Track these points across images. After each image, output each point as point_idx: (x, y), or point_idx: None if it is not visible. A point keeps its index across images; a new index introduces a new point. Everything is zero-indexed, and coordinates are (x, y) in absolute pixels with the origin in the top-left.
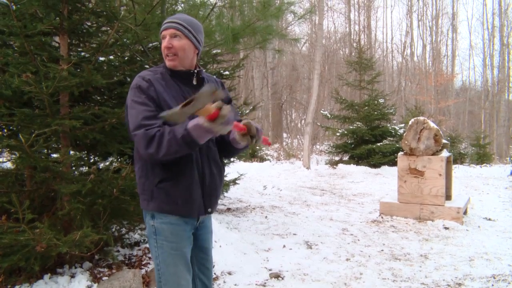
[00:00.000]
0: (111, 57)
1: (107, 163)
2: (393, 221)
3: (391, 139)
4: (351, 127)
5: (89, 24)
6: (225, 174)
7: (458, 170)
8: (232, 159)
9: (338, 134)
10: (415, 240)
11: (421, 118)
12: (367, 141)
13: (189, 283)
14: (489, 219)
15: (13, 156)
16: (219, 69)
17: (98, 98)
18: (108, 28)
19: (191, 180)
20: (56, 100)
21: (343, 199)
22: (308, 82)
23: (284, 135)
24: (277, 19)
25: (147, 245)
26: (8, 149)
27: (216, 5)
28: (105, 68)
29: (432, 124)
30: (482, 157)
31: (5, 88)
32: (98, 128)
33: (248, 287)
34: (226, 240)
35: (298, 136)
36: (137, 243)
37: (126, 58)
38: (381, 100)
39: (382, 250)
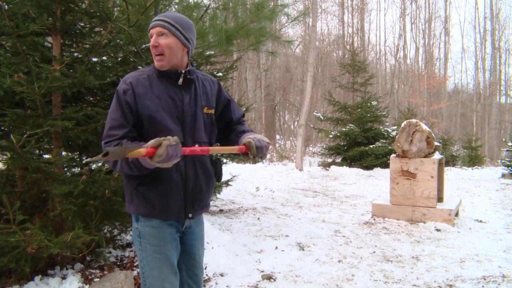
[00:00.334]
0: (104, 58)
1: (99, 164)
2: (385, 223)
3: (384, 141)
4: (344, 129)
5: (82, 24)
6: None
7: (450, 172)
8: (224, 161)
9: (331, 136)
10: (407, 242)
11: (414, 120)
12: (359, 143)
13: (174, 287)
14: (480, 221)
15: (4, 156)
16: (212, 70)
17: (91, 99)
18: (101, 29)
19: (169, 183)
20: (49, 100)
21: (335, 201)
22: (301, 84)
23: (277, 136)
24: (271, 21)
25: None
26: None
27: (209, 7)
28: (98, 69)
29: (424, 127)
30: (473, 160)
31: None
32: (91, 129)
33: None
34: (219, 242)
35: (291, 138)
36: (129, 245)
37: (119, 59)
38: (374, 102)
39: (374, 252)
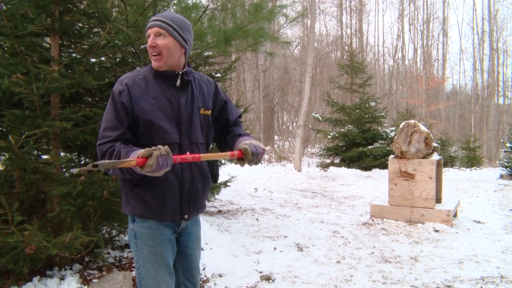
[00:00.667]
0: (103, 58)
1: None
2: (383, 223)
3: (382, 142)
4: (342, 130)
5: (80, 25)
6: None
7: (448, 173)
8: (222, 162)
9: (329, 136)
10: (406, 243)
11: (412, 121)
12: (358, 144)
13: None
14: (479, 222)
15: (3, 157)
16: (211, 71)
17: (89, 99)
18: (100, 30)
19: (165, 185)
20: (47, 101)
21: (334, 201)
22: (299, 85)
23: (276, 137)
24: (269, 22)
25: None
26: None
27: (208, 8)
28: (96, 69)
29: (422, 128)
30: (472, 160)
31: None
32: (89, 129)
33: None
34: (217, 242)
35: (289, 139)
36: (127, 245)
37: (117, 60)
38: (372, 103)
39: (372, 253)
